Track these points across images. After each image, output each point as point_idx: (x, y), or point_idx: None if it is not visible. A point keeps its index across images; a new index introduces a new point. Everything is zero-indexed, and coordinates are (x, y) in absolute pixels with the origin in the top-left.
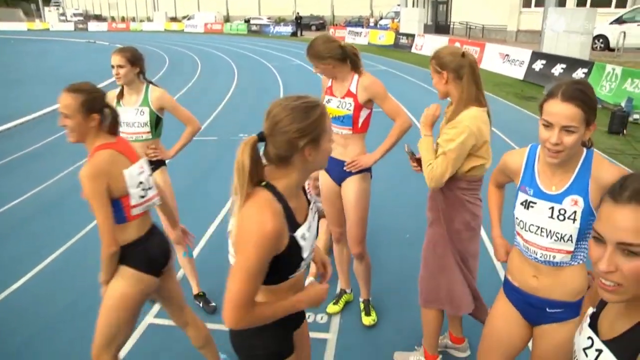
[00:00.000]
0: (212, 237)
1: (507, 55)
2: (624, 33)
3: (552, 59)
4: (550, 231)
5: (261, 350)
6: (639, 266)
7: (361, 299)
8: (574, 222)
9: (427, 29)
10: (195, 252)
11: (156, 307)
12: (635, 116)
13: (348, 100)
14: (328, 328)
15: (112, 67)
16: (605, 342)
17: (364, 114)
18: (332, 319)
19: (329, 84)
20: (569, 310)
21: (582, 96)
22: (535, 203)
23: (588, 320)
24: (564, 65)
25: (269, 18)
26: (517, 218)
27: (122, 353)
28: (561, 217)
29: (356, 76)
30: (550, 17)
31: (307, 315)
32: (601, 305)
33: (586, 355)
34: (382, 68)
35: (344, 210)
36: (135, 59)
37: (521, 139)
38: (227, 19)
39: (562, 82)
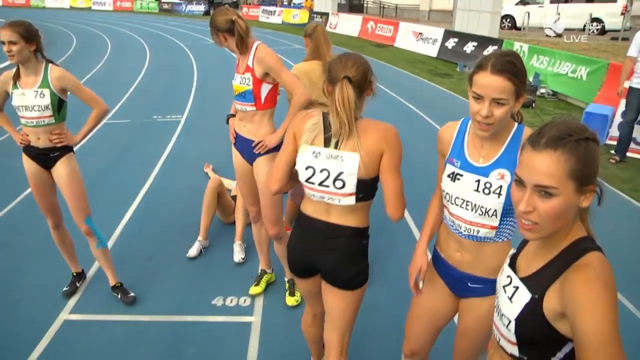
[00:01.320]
0: (127, 225)
1: (421, 33)
2: (529, 13)
3: (464, 37)
4: (475, 205)
5: (366, 272)
6: (554, 206)
7: (286, 279)
8: (499, 196)
9: (341, 8)
10: (111, 242)
11: (71, 302)
12: (542, 90)
13: (247, 76)
14: (252, 311)
15: (3, 43)
16: (522, 279)
17: (265, 89)
18: (255, 301)
19: (236, 63)
20: (490, 286)
21: (512, 68)
22: (461, 175)
23: (508, 260)
24: (475, 43)
25: None
26: (443, 190)
27: (36, 352)
28: (486, 191)
29: (253, 50)
30: None
31: (230, 299)
32: (520, 247)
33: (505, 292)
34: (297, 47)
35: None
36: (30, 35)
37: (436, 114)
38: None
39: (492, 53)
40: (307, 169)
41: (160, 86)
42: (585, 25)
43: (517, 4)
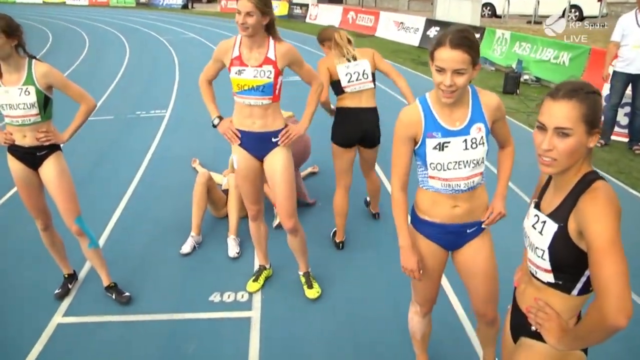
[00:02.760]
0: (117, 223)
1: (402, 23)
2: (509, 1)
3: (446, 26)
4: (467, 161)
5: None
6: (570, 144)
7: (301, 273)
8: (483, 145)
9: None
10: (101, 242)
11: (64, 305)
12: (526, 77)
13: (267, 68)
14: (250, 306)
15: None
16: (547, 215)
17: (279, 81)
18: (253, 295)
19: (234, 54)
20: (480, 226)
21: (468, 42)
22: (448, 142)
23: (533, 204)
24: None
25: None
26: (431, 163)
27: (30, 358)
28: (474, 145)
29: (272, 42)
30: None
31: (227, 294)
32: (540, 198)
33: (535, 229)
34: None
35: (263, 187)
36: (11, 29)
37: None
38: None
39: (447, 30)
40: (346, 75)
41: (142, 81)
42: (564, 12)
43: None
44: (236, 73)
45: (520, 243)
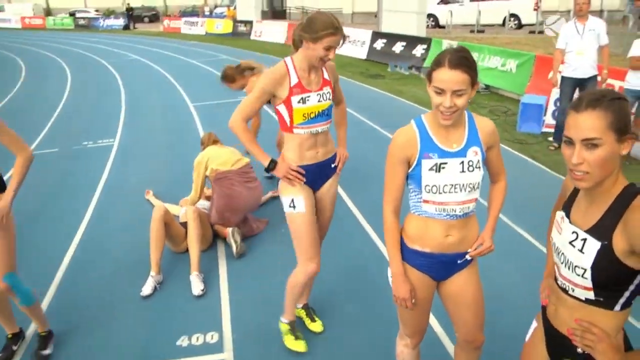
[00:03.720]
0: (69, 266)
1: (348, 36)
2: (451, 12)
3: (392, 38)
4: (463, 185)
5: None
6: (600, 155)
7: (299, 306)
8: (479, 169)
9: (265, 15)
10: (53, 288)
11: None
12: None
13: (327, 90)
14: (222, 348)
15: None
16: (586, 232)
17: None
18: (225, 337)
19: (292, 81)
20: (467, 257)
21: (467, 62)
22: (445, 163)
23: (567, 219)
24: (404, 43)
25: (96, 11)
26: (426, 185)
27: None
28: (471, 168)
29: None
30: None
31: (196, 337)
32: (567, 208)
33: (573, 247)
34: (224, 57)
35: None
36: None
37: (375, 115)
38: (48, 12)
39: (446, 51)
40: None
41: (86, 109)
42: (504, 21)
43: (439, 3)
44: (299, 102)
45: (506, 274)
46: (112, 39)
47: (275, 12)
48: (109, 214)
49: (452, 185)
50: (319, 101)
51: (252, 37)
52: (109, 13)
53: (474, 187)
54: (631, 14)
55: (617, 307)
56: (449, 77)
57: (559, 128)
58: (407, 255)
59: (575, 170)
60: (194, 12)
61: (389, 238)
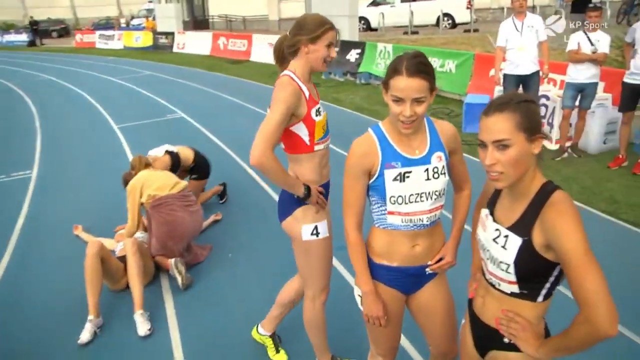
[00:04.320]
0: None
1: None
2: (383, 14)
3: None
4: (429, 193)
5: None
6: (511, 154)
7: (268, 334)
8: (444, 175)
9: (187, 26)
10: None
11: None
12: None
13: (320, 102)
14: None
15: None
16: (508, 229)
17: None
18: None
19: (306, 94)
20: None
21: (425, 68)
22: (410, 172)
23: (490, 217)
24: (337, 49)
25: None
26: (391, 197)
27: None
28: (436, 175)
29: None
30: (314, 3)
31: None
32: (491, 206)
33: (497, 243)
34: (147, 73)
35: None
36: None
37: None
38: None
39: (402, 57)
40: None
41: None
42: (438, 21)
43: (369, 6)
44: (317, 114)
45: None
46: (15, 57)
47: (198, 22)
48: (32, 256)
49: (418, 194)
50: (322, 114)
51: (175, 49)
52: (7, 27)
53: (440, 194)
54: (562, 9)
55: (540, 299)
56: (407, 85)
57: None
58: (375, 271)
59: (490, 171)
60: (108, 24)
61: (355, 256)
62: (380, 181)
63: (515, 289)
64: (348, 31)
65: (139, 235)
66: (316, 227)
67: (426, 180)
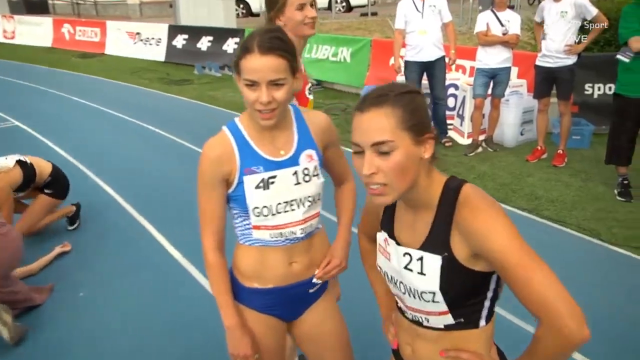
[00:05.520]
0: None
1: (139, 33)
2: None
3: (196, 32)
4: (301, 199)
5: None
6: (395, 160)
7: None
8: (318, 177)
9: (16, 8)
10: None
11: None
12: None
13: None
14: None
15: None
16: (420, 249)
17: None
18: None
19: None
20: (319, 285)
21: (282, 44)
22: (274, 177)
23: (392, 241)
24: (210, 38)
25: None
26: (255, 208)
27: None
28: (307, 178)
29: None
30: None
31: None
32: (387, 228)
33: (411, 270)
34: None
35: None
36: None
37: (179, 127)
38: None
39: (254, 33)
40: None
41: None
42: (330, 4)
43: None
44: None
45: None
46: None
47: (32, 4)
48: None
49: (287, 202)
50: None
51: (2, 39)
52: None
53: (314, 199)
54: None
55: (482, 322)
56: (261, 64)
57: None
58: (245, 296)
59: (370, 183)
60: None
61: (215, 281)
62: (240, 190)
63: (449, 320)
64: (224, 17)
65: None
66: None
67: (295, 184)
